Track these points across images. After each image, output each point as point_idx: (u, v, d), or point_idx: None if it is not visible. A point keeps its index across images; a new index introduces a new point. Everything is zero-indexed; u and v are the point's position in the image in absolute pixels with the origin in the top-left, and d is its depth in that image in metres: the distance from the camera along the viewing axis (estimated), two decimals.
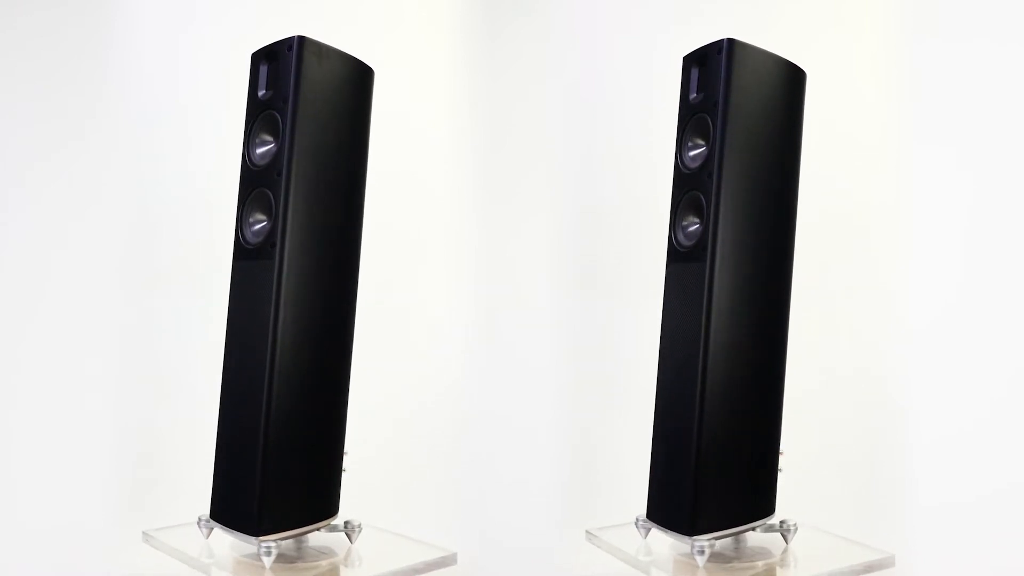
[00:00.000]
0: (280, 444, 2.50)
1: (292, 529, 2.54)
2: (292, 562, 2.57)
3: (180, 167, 3.09)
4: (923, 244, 3.01)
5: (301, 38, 2.55)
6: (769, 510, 2.67)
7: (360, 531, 2.64)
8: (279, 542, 2.50)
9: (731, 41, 2.60)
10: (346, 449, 2.66)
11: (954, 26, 2.97)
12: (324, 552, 2.62)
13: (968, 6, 2.96)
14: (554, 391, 3.03)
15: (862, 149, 3.15)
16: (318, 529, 2.61)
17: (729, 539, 2.67)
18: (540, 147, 3.09)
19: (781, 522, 2.68)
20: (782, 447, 2.70)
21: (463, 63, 3.13)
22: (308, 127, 2.52)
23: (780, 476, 2.69)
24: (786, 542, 2.67)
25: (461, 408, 3.04)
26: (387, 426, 2.93)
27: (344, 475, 2.65)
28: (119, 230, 3.00)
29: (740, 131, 2.57)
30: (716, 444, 2.56)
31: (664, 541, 2.68)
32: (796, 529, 2.67)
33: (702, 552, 2.54)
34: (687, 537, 2.54)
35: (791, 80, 2.68)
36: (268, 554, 2.48)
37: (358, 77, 2.65)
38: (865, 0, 3.21)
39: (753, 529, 2.66)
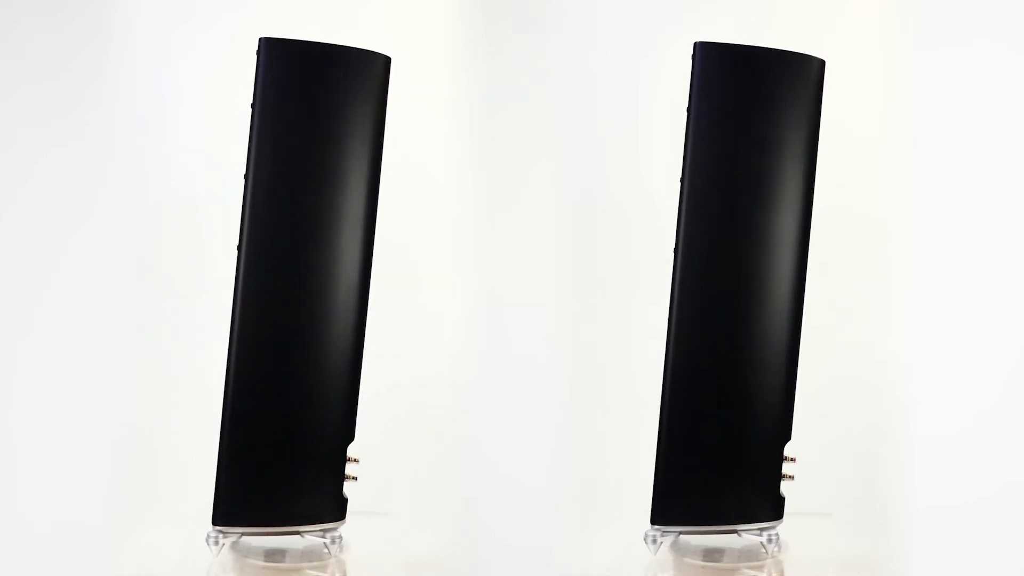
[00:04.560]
0: (244, 441, 2.57)
1: (255, 526, 2.60)
2: (278, 561, 2.60)
3: (180, 168, 3.10)
4: (924, 243, 3.01)
5: (265, 40, 2.61)
6: (767, 515, 2.67)
7: (339, 542, 2.65)
8: (226, 535, 2.57)
9: (699, 45, 2.66)
10: (356, 457, 2.67)
11: (954, 25, 2.97)
12: (320, 557, 2.63)
13: (969, 6, 2.96)
14: (555, 390, 3.04)
15: (863, 147, 3.14)
16: (299, 533, 2.64)
17: (730, 537, 2.69)
18: (541, 147, 3.09)
19: (761, 530, 2.68)
20: (792, 454, 2.70)
21: (464, 63, 3.13)
22: (273, 128, 2.59)
23: (791, 484, 2.70)
24: (765, 551, 2.67)
25: (461, 407, 3.04)
26: (385, 426, 2.93)
27: (355, 482, 2.68)
28: (118, 231, 3.02)
29: (710, 130, 2.63)
30: (684, 441, 2.63)
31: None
32: (776, 540, 2.67)
33: (654, 541, 2.62)
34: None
35: (786, 73, 2.69)
36: (216, 543, 2.57)
37: (352, 72, 2.66)
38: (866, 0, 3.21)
39: (737, 533, 2.67)
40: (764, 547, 2.67)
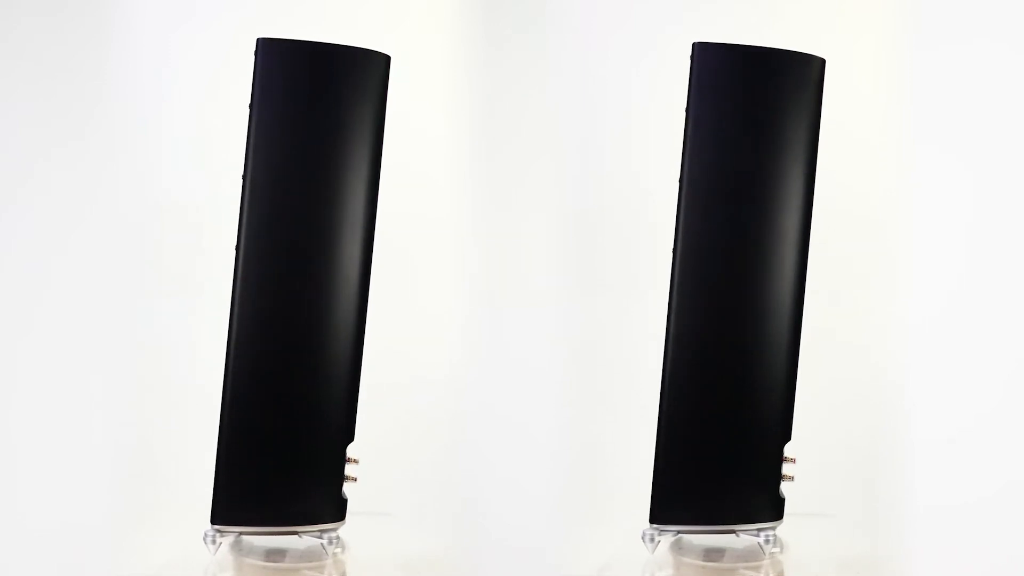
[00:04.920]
0: (243, 441, 2.58)
1: (254, 525, 2.62)
2: (278, 560, 2.61)
3: (179, 168, 3.11)
4: (924, 242, 3.01)
5: (263, 41, 2.61)
6: (767, 516, 2.67)
7: (337, 542, 2.65)
8: (223, 534, 2.58)
9: (696, 45, 2.66)
10: (356, 457, 2.67)
11: (954, 25, 2.97)
12: (320, 557, 2.63)
13: (969, 6, 2.96)
14: (555, 390, 3.04)
15: (863, 146, 3.14)
16: (297, 534, 2.64)
17: (731, 536, 2.70)
18: (540, 147, 3.09)
19: (759, 530, 2.68)
20: (792, 454, 2.70)
21: (463, 63, 3.13)
22: (272, 128, 2.60)
23: (791, 484, 2.70)
24: (763, 552, 2.67)
25: (461, 407, 3.05)
26: (385, 426, 2.93)
27: (354, 482, 2.68)
28: (118, 230, 3.02)
29: (709, 130, 2.64)
30: (684, 441, 2.64)
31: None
32: (773, 540, 2.67)
33: (652, 540, 2.64)
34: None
35: (786, 73, 2.69)
36: (213, 542, 2.58)
37: (352, 71, 2.66)
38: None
39: (735, 533, 2.67)
40: (762, 547, 2.67)
